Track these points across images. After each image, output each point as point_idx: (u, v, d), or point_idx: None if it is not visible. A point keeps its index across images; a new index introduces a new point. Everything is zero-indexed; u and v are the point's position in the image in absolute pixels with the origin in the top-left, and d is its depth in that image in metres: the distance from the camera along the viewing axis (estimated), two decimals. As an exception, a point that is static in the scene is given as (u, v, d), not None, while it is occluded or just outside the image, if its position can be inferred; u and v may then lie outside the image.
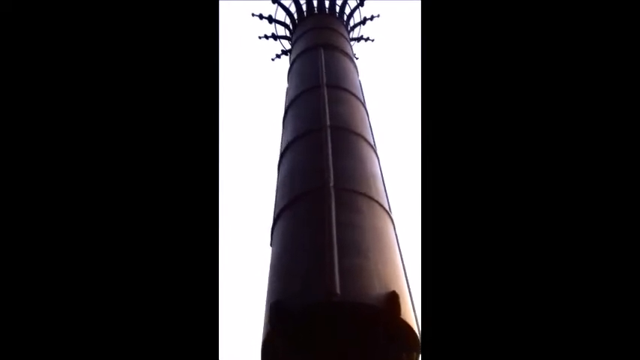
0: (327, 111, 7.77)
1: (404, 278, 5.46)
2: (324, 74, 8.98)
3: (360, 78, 10.73)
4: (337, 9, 13.46)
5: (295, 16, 13.67)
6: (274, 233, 6.42)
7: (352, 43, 13.94)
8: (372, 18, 14.72)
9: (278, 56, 15.48)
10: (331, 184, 6.20)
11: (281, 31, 14.73)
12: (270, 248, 6.51)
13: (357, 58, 13.59)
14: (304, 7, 13.50)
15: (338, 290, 4.75)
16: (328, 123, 7.49)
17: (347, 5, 13.78)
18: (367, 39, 15.10)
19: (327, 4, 13.36)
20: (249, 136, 26.25)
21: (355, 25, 14.31)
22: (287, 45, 14.63)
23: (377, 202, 6.29)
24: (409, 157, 25.27)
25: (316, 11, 13.38)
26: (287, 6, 13.97)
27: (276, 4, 14.15)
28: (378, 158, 7.69)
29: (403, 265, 5.68)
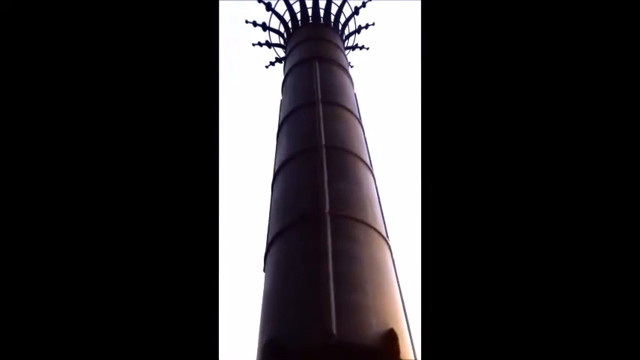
0: (322, 129, 7.59)
1: (402, 313, 5.29)
2: (319, 89, 8.79)
3: (355, 88, 10.59)
4: (332, 18, 13.27)
5: (290, 24, 13.48)
6: (268, 260, 6.23)
7: (347, 51, 13.77)
8: (366, 26, 14.53)
9: (272, 63, 15.28)
10: (327, 210, 6.02)
11: (275, 38, 14.55)
12: (264, 274, 6.32)
13: (351, 67, 13.45)
14: (299, 16, 13.30)
15: (334, 330, 4.57)
16: (323, 142, 7.30)
17: (342, 14, 13.60)
18: (362, 47, 14.91)
19: (321, 13, 13.16)
20: (244, 142, 25.95)
21: (350, 34, 14.12)
22: (281, 52, 14.44)
23: (374, 228, 6.12)
24: (404, 163, 25.05)
25: (311, 20, 13.19)
26: (281, 14, 13.78)
27: (270, 12, 13.95)
28: (374, 178, 7.52)
29: (401, 297, 5.51)
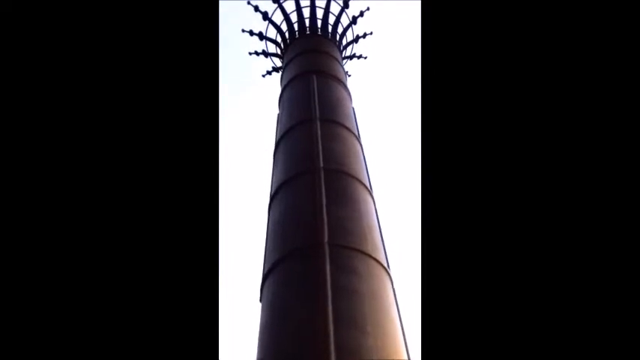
0: (320, 150, 7.39)
1: (405, 353, 5.10)
2: (316, 106, 8.59)
3: (354, 97, 10.39)
4: (329, 28, 13.07)
5: (287, 34, 13.27)
6: (264, 291, 6.02)
7: (345, 61, 13.57)
8: (364, 36, 14.33)
9: (269, 72, 15.09)
10: (325, 239, 5.81)
11: (272, 47, 14.35)
12: (260, 304, 6.11)
13: (349, 76, 13.24)
14: (296, 26, 13.10)
15: (334, 376, 4.37)
16: (321, 165, 7.10)
17: (339, 24, 13.40)
18: (360, 56, 14.72)
19: (319, 23, 12.97)
20: (242, 151, 25.66)
21: (348, 44, 13.93)
22: (278, 62, 14.24)
23: (374, 259, 5.93)
24: (403, 175, 24.70)
25: (308, 30, 12.99)
26: (278, 23, 13.57)
27: (267, 21, 13.74)
28: (374, 201, 7.32)
29: (404, 334, 5.31)
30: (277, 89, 11.32)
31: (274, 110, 10.52)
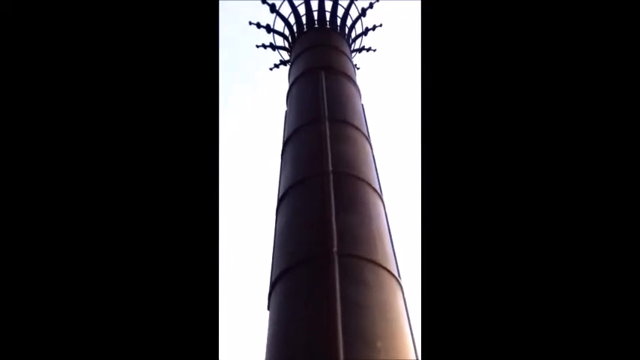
0: (329, 152, 7.23)
1: (416, 367, 4.98)
2: (325, 105, 8.41)
3: (362, 88, 10.19)
4: (338, 20, 12.85)
5: (294, 28, 13.07)
6: (272, 300, 5.92)
7: (353, 54, 13.36)
8: (374, 28, 14.09)
9: (276, 66, 14.91)
10: (335, 249, 5.68)
11: (279, 40, 14.15)
12: (268, 312, 6.01)
13: (357, 69, 13.04)
14: (304, 19, 12.88)
15: (344, 396, 4.26)
16: (330, 168, 6.94)
17: (348, 16, 13.17)
18: (369, 49, 14.50)
19: (327, 15, 12.74)
20: (248, 148, 25.42)
21: (357, 37, 13.71)
22: (286, 55, 14.05)
23: (384, 268, 5.79)
24: (412, 171, 24.28)
25: (317, 22, 12.77)
26: (286, 16, 13.36)
27: (274, 14, 13.53)
28: (384, 205, 7.17)
29: (415, 348, 5.19)
30: (286, 84, 11.18)
31: (282, 106, 10.39)
